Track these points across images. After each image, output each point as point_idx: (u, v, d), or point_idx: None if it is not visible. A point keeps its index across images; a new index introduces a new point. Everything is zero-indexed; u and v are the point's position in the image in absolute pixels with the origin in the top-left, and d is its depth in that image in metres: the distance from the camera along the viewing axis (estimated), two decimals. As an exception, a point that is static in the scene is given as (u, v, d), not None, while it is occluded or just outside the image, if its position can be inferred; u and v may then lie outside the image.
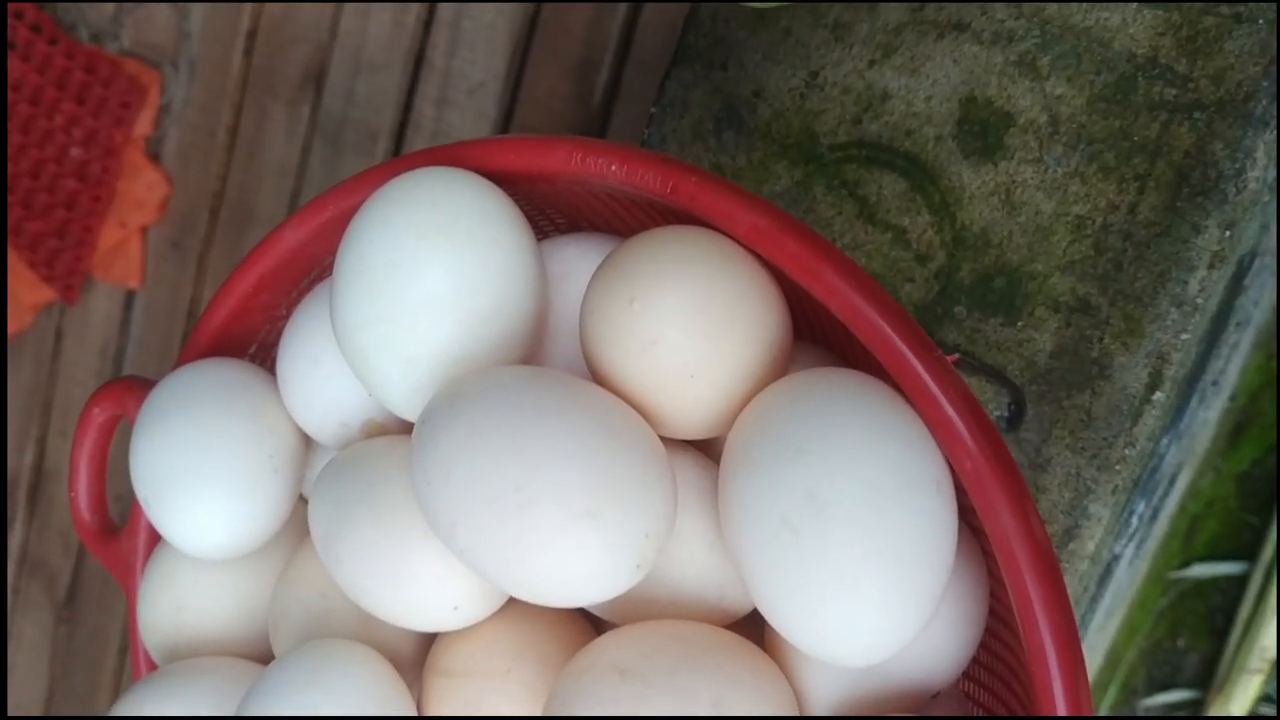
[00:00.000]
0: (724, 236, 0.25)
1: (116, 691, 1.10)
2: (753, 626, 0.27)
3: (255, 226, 0.94)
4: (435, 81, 0.84)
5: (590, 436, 0.23)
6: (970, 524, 0.27)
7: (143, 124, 1.02)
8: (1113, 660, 0.92)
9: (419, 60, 0.84)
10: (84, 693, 1.13)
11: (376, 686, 0.27)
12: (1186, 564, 0.92)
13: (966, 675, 0.29)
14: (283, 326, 0.32)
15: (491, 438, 0.23)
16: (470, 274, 0.26)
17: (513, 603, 0.29)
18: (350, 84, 0.89)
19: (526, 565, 0.23)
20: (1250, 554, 0.91)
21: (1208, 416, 0.60)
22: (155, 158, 1.03)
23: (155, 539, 0.34)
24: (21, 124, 1.05)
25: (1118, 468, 0.33)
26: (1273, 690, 0.89)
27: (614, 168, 0.26)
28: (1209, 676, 0.93)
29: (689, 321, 0.24)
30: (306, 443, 0.32)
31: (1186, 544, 0.94)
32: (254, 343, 0.34)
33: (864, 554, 0.23)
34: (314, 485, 0.29)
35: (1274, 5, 0.31)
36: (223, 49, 0.93)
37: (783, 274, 0.25)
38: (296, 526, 0.33)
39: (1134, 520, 0.42)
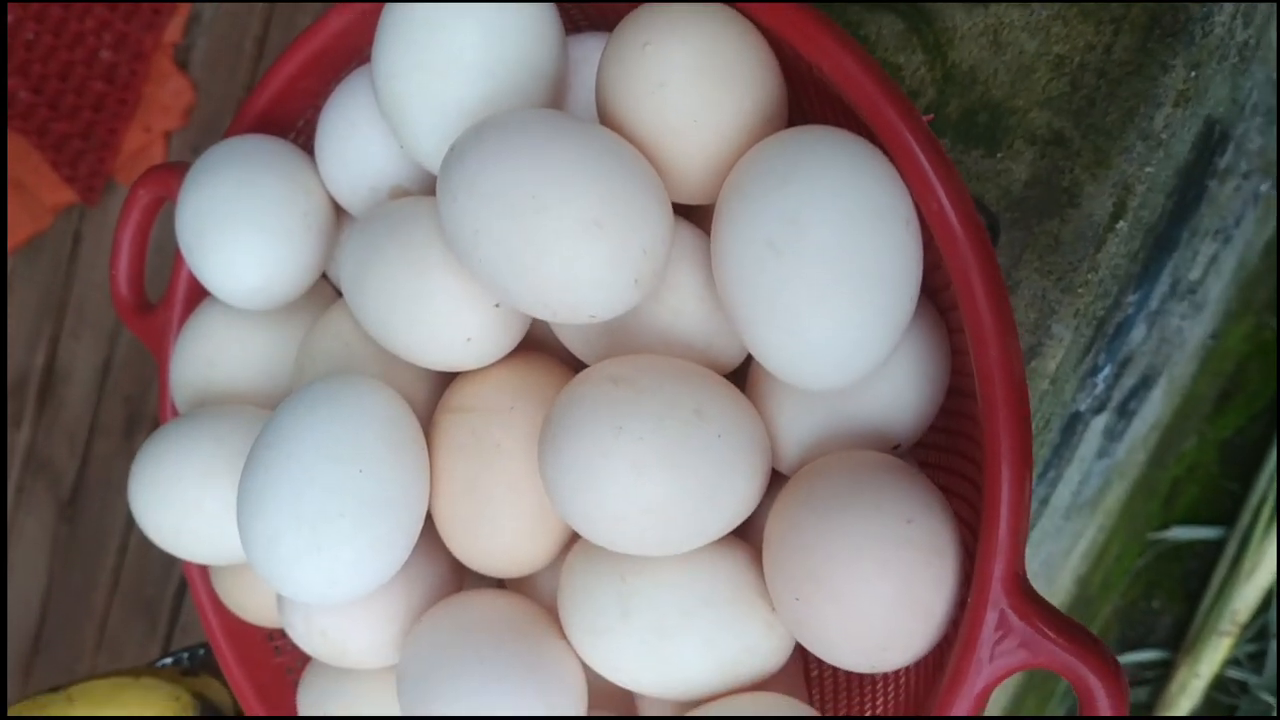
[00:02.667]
0: (732, 6, 0.28)
1: (113, 592, 1.13)
2: (734, 383, 0.30)
3: (277, 134, 0.96)
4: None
5: (598, 160, 0.26)
6: (938, 305, 0.30)
7: (172, 31, 1.05)
8: (1089, 615, 0.95)
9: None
10: (82, 590, 1.16)
11: (391, 410, 0.30)
12: (1166, 526, 0.95)
13: (926, 446, 0.31)
14: (322, 111, 0.35)
15: (513, 155, 0.26)
16: (500, 30, 0.28)
17: (517, 353, 0.32)
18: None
19: (540, 271, 0.26)
20: (1228, 520, 0.94)
21: (1185, 332, 0.63)
22: (183, 65, 1.06)
23: (188, 312, 0.37)
24: (53, 26, 1.08)
25: (1080, 291, 0.36)
26: (1241, 654, 0.92)
27: (634, -53, 0.29)
28: (1180, 638, 0.96)
29: (696, 68, 0.27)
30: (338, 213, 0.35)
31: (1167, 506, 0.97)
32: (294, 129, 0.36)
33: (838, 273, 0.25)
34: (347, 235, 0.31)
35: None
36: (255, -40, 0.95)
37: (783, 48, 0.28)
38: (320, 301, 0.36)
39: (1099, 381, 0.45)
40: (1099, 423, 0.50)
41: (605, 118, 0.28)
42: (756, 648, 0.29)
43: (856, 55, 0.27)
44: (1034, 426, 0.39)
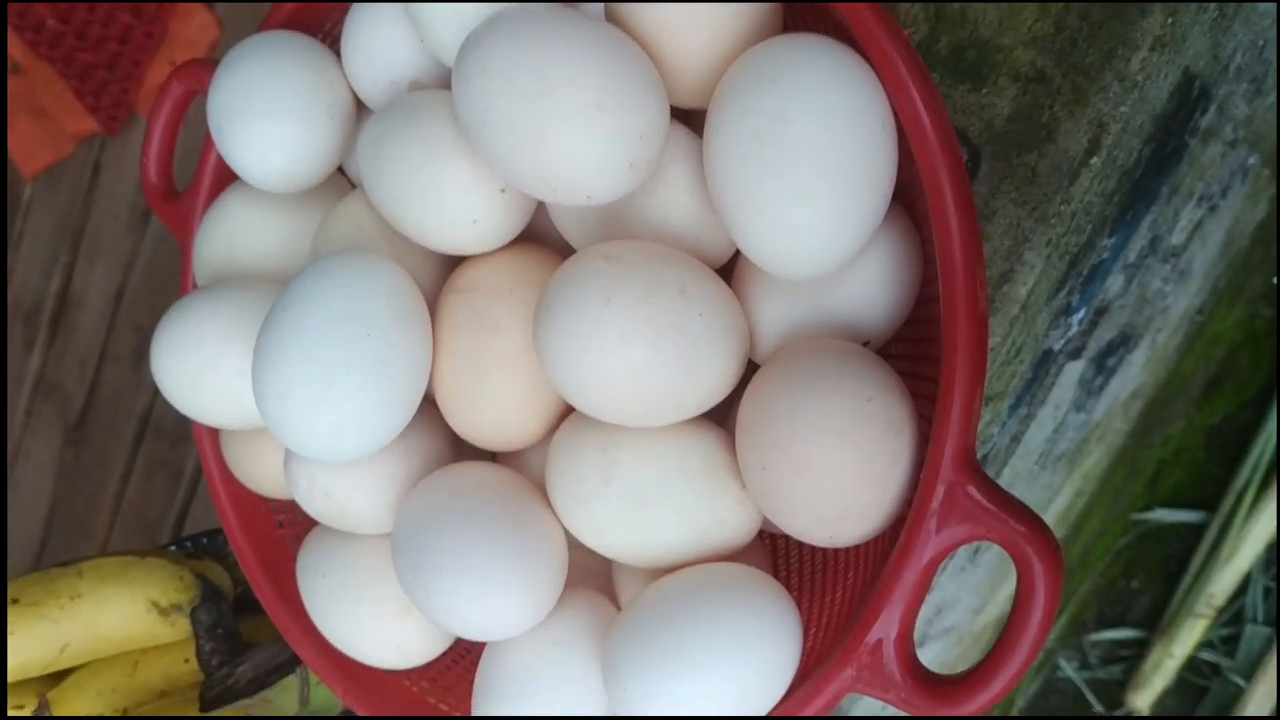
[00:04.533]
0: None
1: (115, 516, 1.16)
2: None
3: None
4: None
5: (601, 50, 0.28)
6: (913, 217, 0.32)
7: (201, -33, 1.06)
8: (1067, 591, 0.98)
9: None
10: (84, 513, 1.18)
11: (398, 283, 0.32)
12: (1149, 508, 0.97)
13: (896, 357, 0.34)
14: (346, 16, 0.37)
15: (522, 43, 0.28)
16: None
17: (518, 241, 0.34)
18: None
19: (543, 150, 0.28)
20: (1211, 504, 0.96)
21: (1169, 300, 0.65)
22: (209, 1, 1.08)
23: (212, 200, 0.39)
24: (85, -43, 1.09)
25: (1053, 221, 0.38)
26: (1215, 637, 0.95)
27: None
28: (1157, 618, 0.98)
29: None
30: (360, 107, 0.37)
31: (1151, 488, 0.99)
32: (321, 32, 0.39)
33: (817, 164, 0.28)
34: (368, 122, 0.34)
35: None
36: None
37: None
38: (337, 189, 0.38)
39: (1073, 322, 0.47)
40: (1074, 370, 0.52)
41: (613, 16, 0.30)
42: (727, 520, 0.31)
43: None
44: (1004, 354, 0.41)
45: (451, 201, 0.32)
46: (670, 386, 0.29)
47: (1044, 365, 0.47)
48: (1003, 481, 0.54)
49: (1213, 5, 0.39)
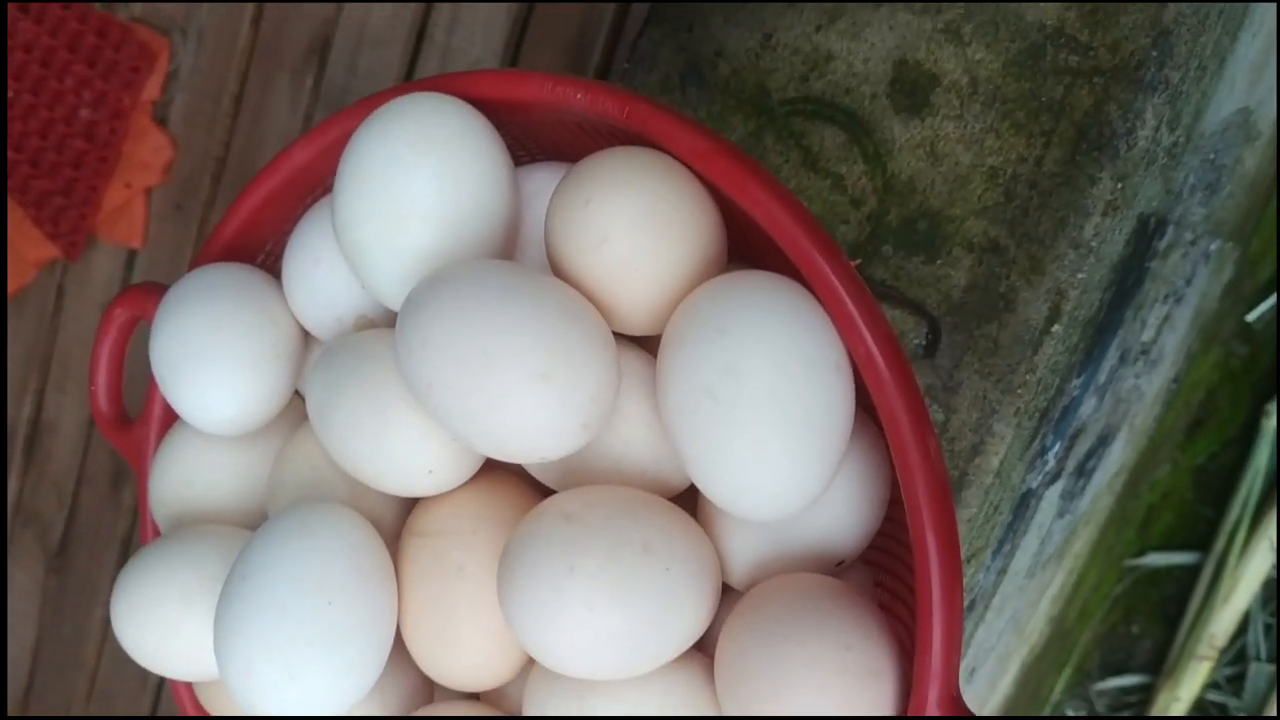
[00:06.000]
0: (670, 156, 0.30)
1: (104, 642, 1.14)
2: (685, 502, 0.32)
3: (256, 190, 0.98)
4: (435, 57, 0.88)
5: (547, 313, 0.28)
6: (877, 422, 0.31)
7: (151, 89, 1.06)
8: (1068, 643, 0.97)
9: (420, 36, 0.88)
10: (72, 641, 1.17)
11: (358, 538, 0.31)
12: (1142, 553, 0.97)
13: (876, 568, 0.33)
14: (288, 239, 0.36)
15: (465, 310, 0.28)
16: (452, 180, 0.30)
17: (479, 475, 0.33)
18: (353, 57, 0.93)
19: (491, 420, 0.28)
20: (1204, 545, 0.96)
21: (1143, 387, 0.65)
22: (162, 122, 1.07)
23: (165, 428, 0.38)
24: (33, 85, 1.09)
25: (1019, 391, 0.37)
26: (1220, 677, 0.94)
27: (579, 96, 0.30)
28: (1160, 662, 0.98)
29: (635, 222, 0.28)
30: (305, 338, 0.36)
31: (1143, 533, 0.99)
32: (261, 253, 0.38)
33: (772, 418, 0.27)
34: (312, 366, 0.33)
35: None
36: (231, 19, 0.97)
37: (720, 195, 0.30)
38: (292, 418, 0.37)
39: (1049, 458, 0.46)
40: (1053, 492, 0.52)
41: (554, 266, 0.30)
42: (711, 760, 0.30)
43: (786, 204, 0.28)
44: (981, 516, 0.41)
45: (404, 454, 0.31)
46: (641, 646, 0.28)
47: (1024, 504, 0.47)
48: (992, 606, 0.53)
49: (1162, 154, 0.39)
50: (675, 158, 0.30)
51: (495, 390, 0.27)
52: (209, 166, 1.00)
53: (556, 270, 0.30)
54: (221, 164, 1.01)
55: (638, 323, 0.30)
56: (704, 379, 0.27)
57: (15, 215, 1.14)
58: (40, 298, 1.13)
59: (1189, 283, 0.61)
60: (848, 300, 0.27)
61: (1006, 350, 0.37)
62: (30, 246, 1.14)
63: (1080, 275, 0.37)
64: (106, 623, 1.14)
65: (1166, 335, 0.64)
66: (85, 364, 1.11)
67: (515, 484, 0.33)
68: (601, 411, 0.28)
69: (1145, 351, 0.59)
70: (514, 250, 0.33)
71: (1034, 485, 0.46)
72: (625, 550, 0.28)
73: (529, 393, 0.27)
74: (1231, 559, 0.95)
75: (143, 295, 0.39)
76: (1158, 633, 0.99)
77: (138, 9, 1.01)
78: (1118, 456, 0.69)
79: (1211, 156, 0.48)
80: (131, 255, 1.05)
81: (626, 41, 0.72)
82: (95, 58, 1.09)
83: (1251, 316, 0.87)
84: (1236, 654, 0.94)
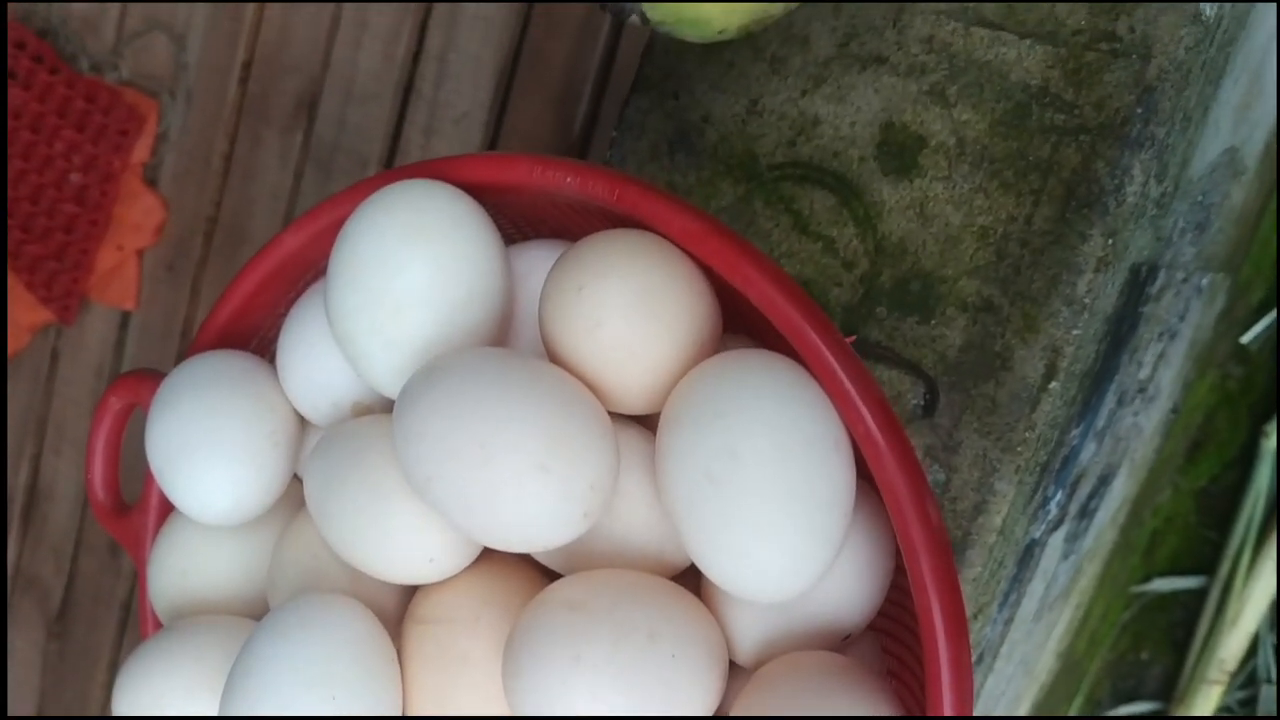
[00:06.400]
0: (662, 238, 0.30)
1: (105, 708, 1.13)
2: (689, 579, 0.31)
3: (248, 249, 0.98)
4: (423, 111, 0.89)
5: (544, 403, 0.28)
6: (877, 490, 0.31)
7: (140, 151, 1.07)
8: (1078, 673, 0.96)
9: (408, 90, 0.88)
10: (74, 707, 1.16)
11: (360, 629, 0.31)
12: (1148, 578, 0.96)
13: (883, 633, 0.33)
14: (282, 322, 0.36)
15: (461, 402, 0.27)
16: (445, 269, 0.30)
17: (480, 559, 0.33)
18: (342, 113, 0.93)
19: (491, 512, 0.28)
20: (1209, 568, 0.95)
21: (1141, 423, 0.65)
22: (152, 183, 1.08)
23: (163, 516, 0.38)
24: (22, 150, 1.10)
25: (1019, 449, 0.37)
26: (1232, 700, 0.93)
27: (569, 180, 0.30)
28: (1171, 688, 0.97)
29: (629, 307, 0.28)
30: (302, 423, 0.36)
31: (1148, 559, 0.98)
32: (255, 338, 0.38)
33: (774, 500, 0.27)
34: (309, 455, 0.33)
35: (1144, 45, 0.35)
36: (219, 79, 0.97)
37: (712, 271, 0.30)
38: (291, 503, 0.37)
39: (1051, 507, 0.46)
40: (1057, 538, 0.52)
41: (549, 350, 0.30)
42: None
43: (779, 284, 0.28)
44: (985, 573, 0.40)
45: (405, 542, 0.31)
46: (651, 734, 0.28)
47: (1028, 554, 0.46)
48: (1001, 654, 0.53)
49: (1151, 205, 0.39)
50: (668, 238, 0.30)
51: (494, 482, 0.27)
52: (201, 226, 1.00)
53: (552, 354, 0.30)
54: (213, 223, 1.02)
55: (635, 404, 0.30)
56: (704, 462, 0.27)
57: (9, 281, 1.14)
58: (35, 362, 1.13)
59: (1183, 318, 0.62)
60: (845, 379, 0.27)
61: (1005, 409, 0.37)
62: (24, 311, 1.14)
63: (1075, 332, 0.37)
64: (108, 688, 1.13)
65: (1162, 371, 0.64)
66: (81, 428, 1.11)
67: (518, 567, 0.33)
68: (602, 499, 0.28)
69: (1142, 390, 0.59)
70: (509, 332, 0.33)
71: (1037, 535, 0.46)
72: (631, 639, 0.28)
73: (528, 484, 0.27)
74: (1237, 582, 0.95)
75: (137, 382, 0.39)
76: (1167, 659, 0.99)
77: (125, 72, 1.02)
78: (1119, 491, 0.69)
79: (1200, 198, 0.48)
80: (125, 317, 1.05)
81: (612, 92, 0.73)
82: (84, 122, 1.09)
83: (1246, 338, 0.88)
84: (1247, 677, 0.93)
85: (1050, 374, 0.37)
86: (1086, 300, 0.36)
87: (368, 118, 0.93)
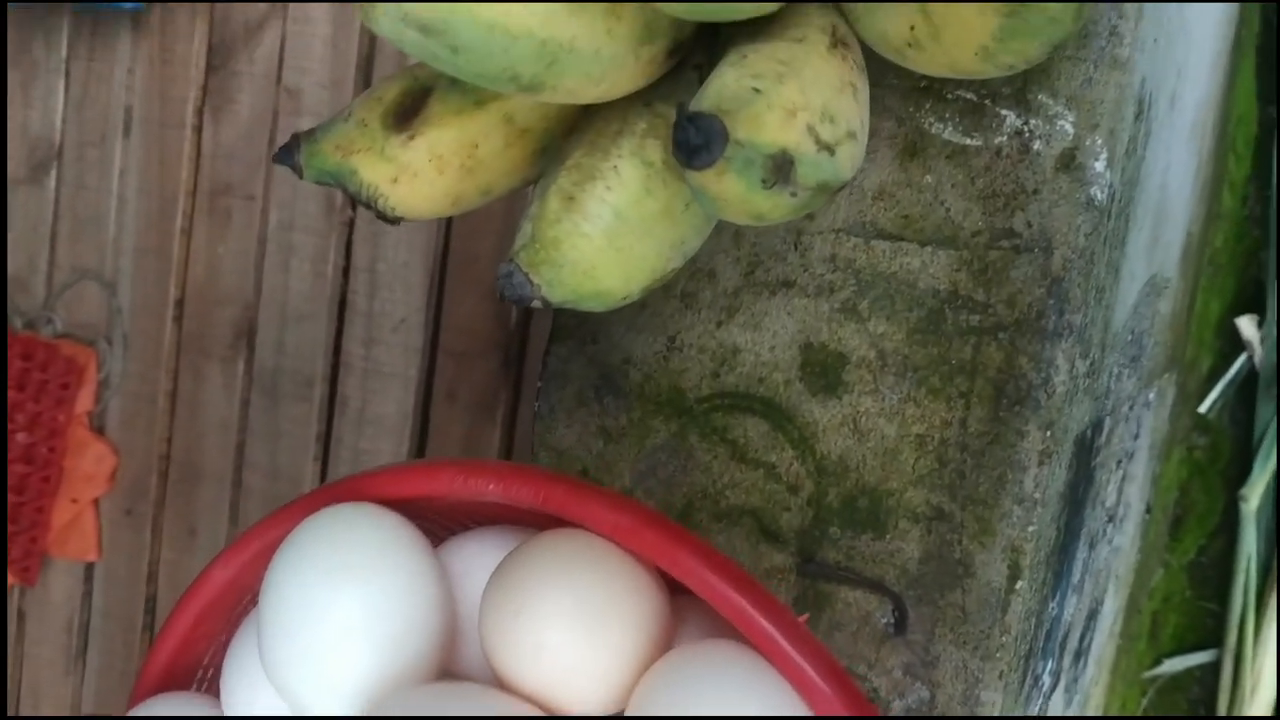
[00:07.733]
0: (598, 536, 0.29)
1: None
2: None
3: (204, 484, 0.97)
4: (360, 323, 0.89)
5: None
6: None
7: (84, 400, 1.06)
8: (1107, 769, 0.93)
9: (342, 305, 0.89)
10: None
11: None
12: (1158, 661, 0.95)
13: None
14: (225, 654, 0.35)
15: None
16: (376, 602, 0.29)
17: None
18: (280, 336, 0.93)
19: None
20: (1216, 640, 0.94)
21: (1119, 543, 0.64)
22: (100, 430, 1.07)
23: None
24: (-36, 417, 1.08)
25: (998, 654, 0.36)
26: (1265, 770, 0.91)
27: (491, 486, 0.30)
28: (1204, 767, 0.94)
29: (569, 628, 0.27)
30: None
31: (1153, 642, 0.97)
32: (199, 668, 0.36)
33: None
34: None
35: (1044, 237, 0.36)
36: (154, 319, 0.97)
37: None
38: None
39: (1044, 678, 0.45)
40: (1057, 695, 0.50)
41: (496, 674, 0.29)
42: None
43: (723, 572, 0.27)
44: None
45: None
46: None
47: (1032, 731, 0.45)
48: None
49: (1081, 380, 0.38)
50: (605, 536, 0.29)
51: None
52: (155, 466, 0.98)
53: (499, 676, 0.29)
54: (166, 461, 1.00)
55: (592, 710, 0.29)
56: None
57: (-38, 549, 1.12)
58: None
59: (1137, 437, 0.61)
60: (802, 663, 0.26)
61: (975, 616, 0.36)
62: (-18, 578, 1.11)
63: (1031, 528, 0.36)
64: None
65: (1128, 488, 0.63)
66: (55, 686, 1.07)
67: None
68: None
69: (1111, 519, 0.59)
70: (453, 646, 0.31)
71: (1036, 709, 0.45)
72: None
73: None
74: (1246, 650, 0.93)
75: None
76: (1197, 740, 0.96)
77: (60, 324, 1.02)
78: (1110, 609, 0.68)
79: (1129, 338, 0.48)
80: (89, 567, 1.03)
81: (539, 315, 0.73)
82: (23, 380, 1.08)
83: (1203, 408, 0.87)
84: (1278, 747, 0.91)
85: (1015, 574, 0.36)
86: (1037, 495, 0.36)
87: (306, 338, 0.93)
